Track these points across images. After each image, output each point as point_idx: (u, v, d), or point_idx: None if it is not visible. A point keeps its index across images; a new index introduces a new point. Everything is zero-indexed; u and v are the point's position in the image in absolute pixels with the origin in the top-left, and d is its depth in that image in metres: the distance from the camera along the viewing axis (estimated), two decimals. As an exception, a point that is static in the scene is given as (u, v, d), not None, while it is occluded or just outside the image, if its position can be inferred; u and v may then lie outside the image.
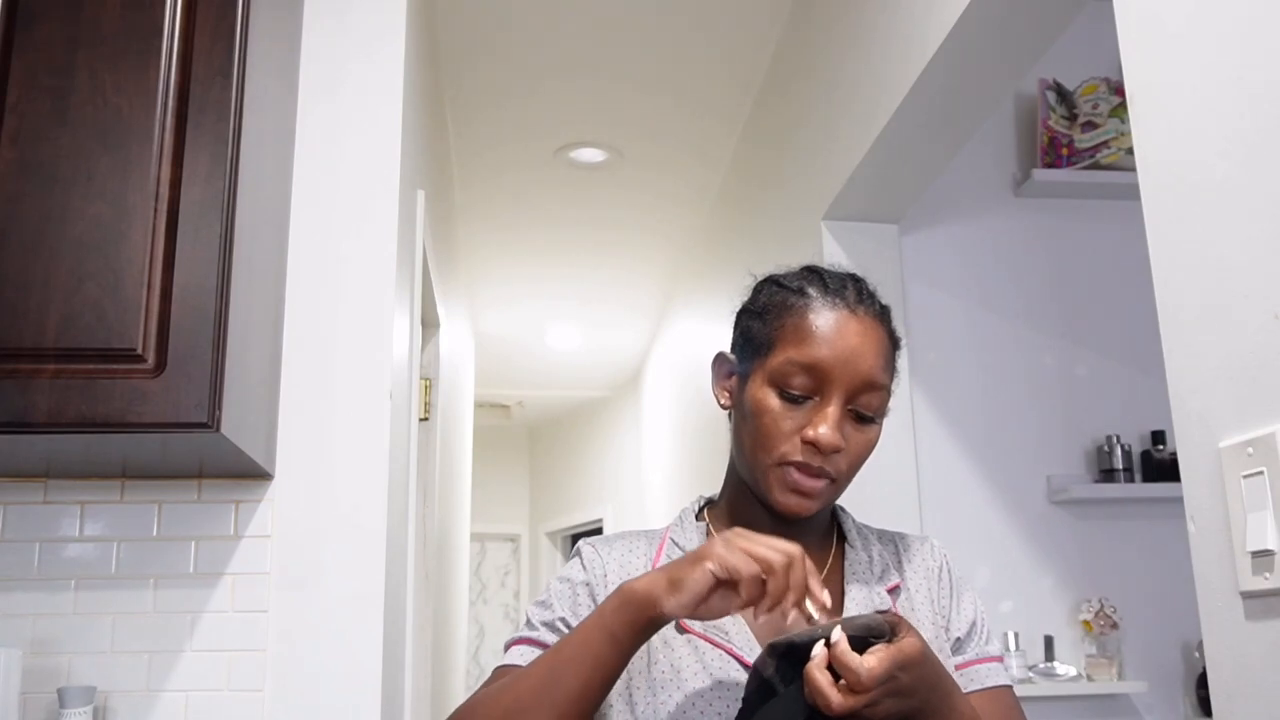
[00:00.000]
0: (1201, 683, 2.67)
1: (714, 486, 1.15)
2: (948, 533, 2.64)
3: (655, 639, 0.98)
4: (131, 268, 1.40)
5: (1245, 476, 1.01)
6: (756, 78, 3.42)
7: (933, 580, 1.09)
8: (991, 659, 1.06)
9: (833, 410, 0.99)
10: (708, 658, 0.99)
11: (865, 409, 1.00)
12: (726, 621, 1.00)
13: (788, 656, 0.86)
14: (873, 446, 1.03)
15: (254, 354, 1.59)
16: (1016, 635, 2.65)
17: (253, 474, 1.71)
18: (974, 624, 1.07)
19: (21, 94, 1.43)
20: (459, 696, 4.11)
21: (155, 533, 1.70)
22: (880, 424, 1.03)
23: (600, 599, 1.02)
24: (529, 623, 1.05)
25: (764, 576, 0.86)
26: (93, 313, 1.38)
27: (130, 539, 1.70)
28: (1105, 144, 2.86)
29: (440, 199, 3.19)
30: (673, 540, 1.09)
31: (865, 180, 2.50)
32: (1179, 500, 1.14)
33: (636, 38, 3.19)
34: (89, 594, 1.67)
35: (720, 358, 1.11)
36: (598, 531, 7.08)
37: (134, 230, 1.41)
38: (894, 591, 1.06)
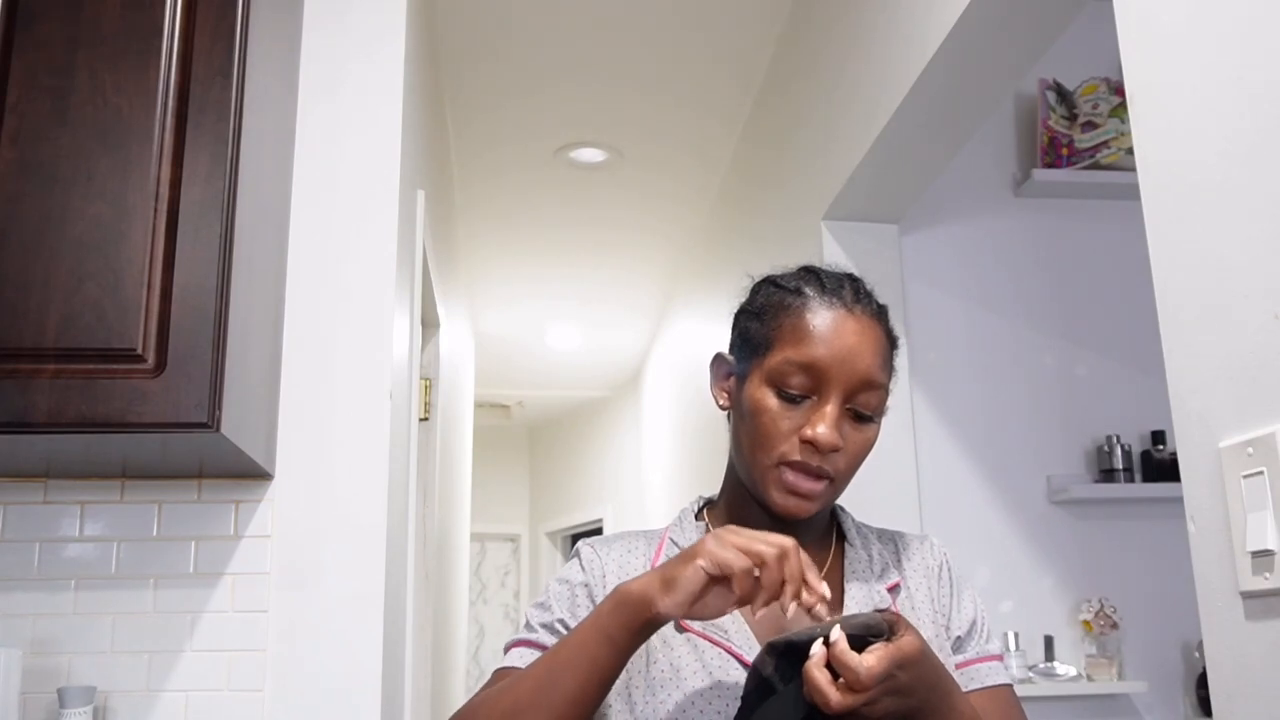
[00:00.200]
0: (1201, 683, 2.67)
1: (714, 486, 1.15)
2: (948, 533, 2.64)
3: (654, 638, 0.98)
4: (131, 268, 1.40)
5: (1245, 476, 1.01)
6: (756, 77, 3.42)
7: (933, 579, 1.09)
8: (992, 658, 1.06)
9: (831, 409, 0.99)
10: (707, 656, 0.99)
11: (863, 408, 1.00)
12: (726, 620, 1.00)
13: (787, 655, 0.86)
14: (871, 446, 1.03)
15: (254, 354, 1.59)
16: (1016, 635, 2.65)
17: (253, 474, 1.71)
18: (974, 623, 1.08)
19: (21, 94, 1.43)
20: (459, 696, 4.11)
21: (155, 533, 1.70)
22: (878, 423, 1.03)
23: (599, 600, 1.02)
24: (528, 625, 1.05)
25: (756, 570, 0.85)
26: (93, 313, 1.38)
27: (130, 539, 1.70)
28: (1105, 144, 2.86)
29: (440, 199, 3.19)
30: (672, 540, 1.09)
31: (865, 180, 2.50)
32: (1179, 500, 1.14)
33: (637, 37, 3.19)
34: (89, 594, 1.67)
35: (718, 358, 1.11)
36: (598, 531, 7.08)
37: (134, 230, 1.41)
38: (894, 590, 1.06)
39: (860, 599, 1.04)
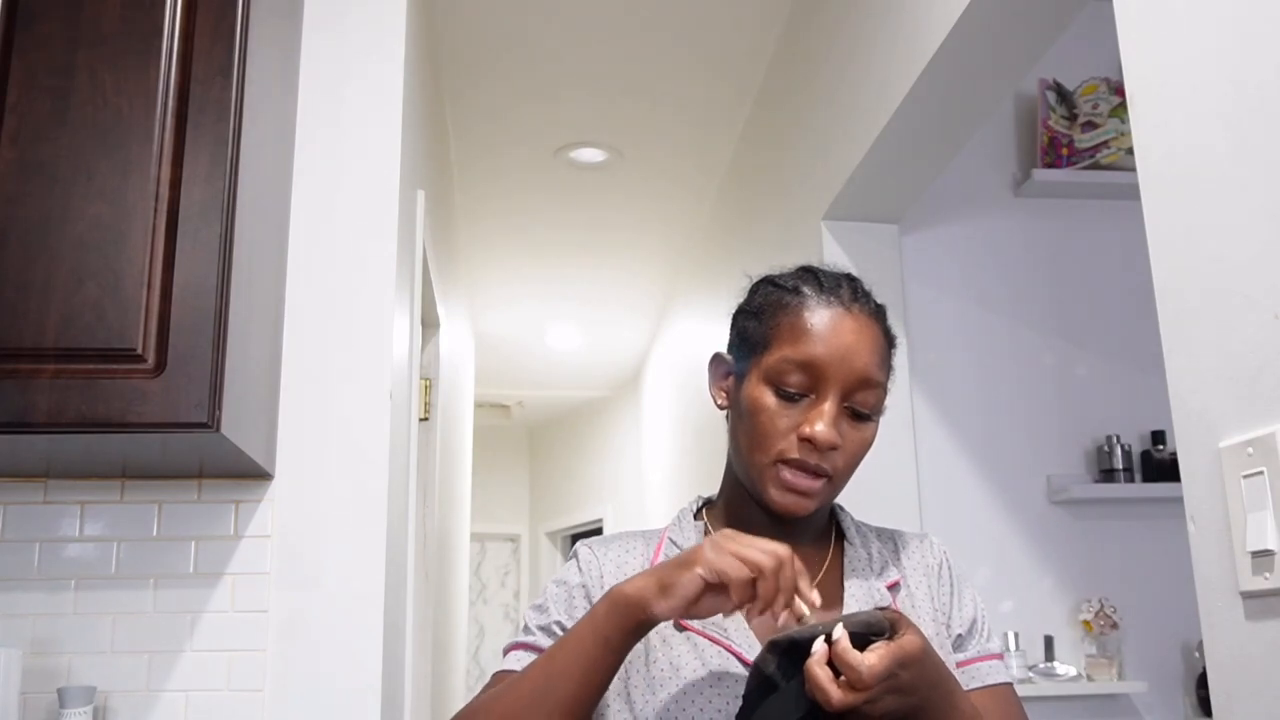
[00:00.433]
0: (1201, 683, 2.67)
1: (714, 486, 1.15)
2: (948, 533, 2.63)
3: (654, 636, 0.99)
4: (131, 268, 1.40)
5: (1245, 476, 1.01)
6: (756, 78, 3.42)
7: (933, 577, 1.09)
8: (992, 656, 1.06)
9: (829, 407, 0.99)
10: (707, 655, 0.99)
11: (861, 406, 1.01)
12: (726, 619, 1.00)
13: (789, 653, 0.86)
14: (869, 444, 1.03)
15: (254, 354, 1.59)
16: (1016, 635, 2.65)
17: (253, 474, 1.71)
18: (975, 621, 1.08)
19: (21, 94, 1.43)
20: (459, 696, 4.11)
21: (155, 533, 1.70)
22: (877, 422, 1.03)
23: (596, 601, 1.02)
24: (525, 627, 1.05)
25: (754, 579, 0.86)
26: (93, 313, 1.38)
27: (130, 539, 1.70)
28: (1105, 144, 2.86)
29: (440, 199, 3.19)
30: (671, 540, 1.09)
31: (865, 180, 2.50)
32: (1179, 500, 1.14)
33: (637, 38, 3.19)
34: (89, 594, 1.67)
35: (717, 358, 1.11)
36: (598, 531, 7.08)
37: (134, 230, 1.41)
38: (894, 588, 1.06)
39: (860, 597, 1.04)
